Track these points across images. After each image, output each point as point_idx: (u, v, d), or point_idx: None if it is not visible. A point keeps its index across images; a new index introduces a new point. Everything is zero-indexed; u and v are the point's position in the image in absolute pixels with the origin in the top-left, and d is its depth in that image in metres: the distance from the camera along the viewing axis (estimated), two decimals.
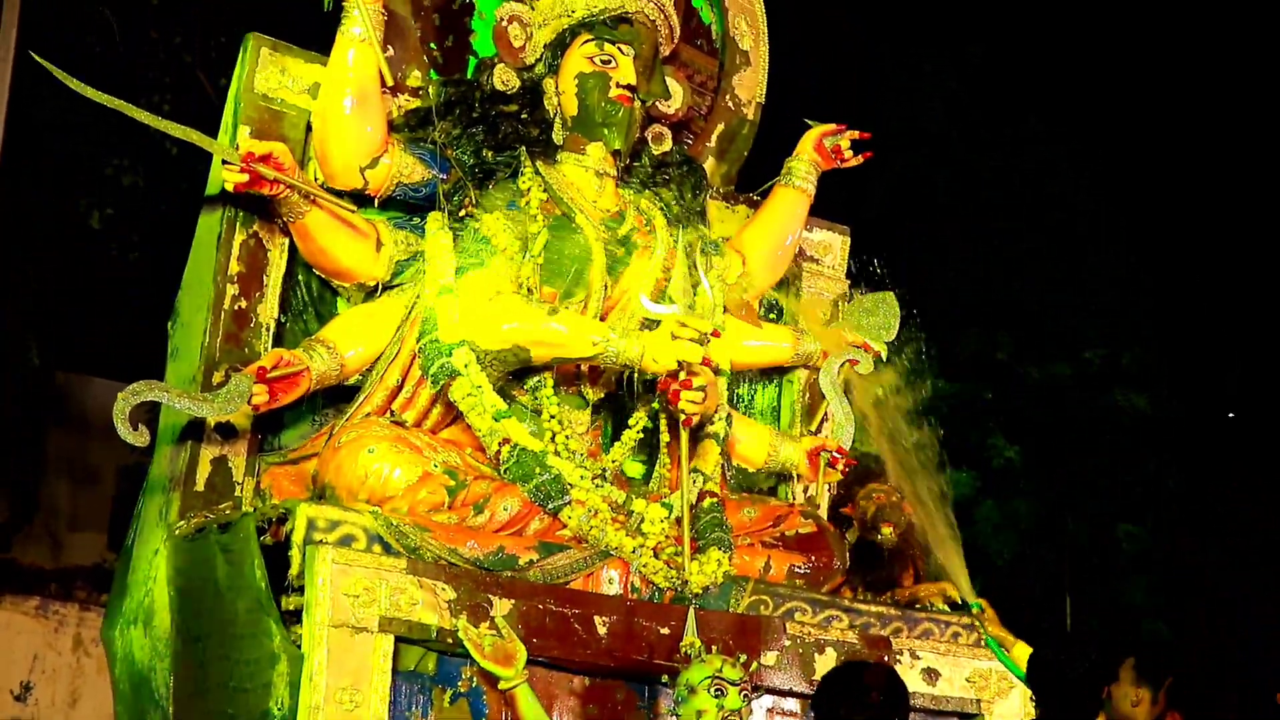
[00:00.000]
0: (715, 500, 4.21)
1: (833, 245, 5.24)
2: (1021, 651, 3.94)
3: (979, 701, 4.32)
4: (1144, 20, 13.64)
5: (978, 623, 4.10)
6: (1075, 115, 13.58)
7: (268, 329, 4.14)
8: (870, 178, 5.12)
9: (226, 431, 4.02)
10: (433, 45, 4.60)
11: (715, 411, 4.34)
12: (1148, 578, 12.84)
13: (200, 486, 3.98)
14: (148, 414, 3.84)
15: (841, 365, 4.88)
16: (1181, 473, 13.20)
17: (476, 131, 4.34)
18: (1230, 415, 14.31)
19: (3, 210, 10.07)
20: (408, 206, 4.30)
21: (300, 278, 4.26)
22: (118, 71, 9.51)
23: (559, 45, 4.47)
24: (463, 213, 4.25)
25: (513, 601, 3.68)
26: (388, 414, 4.13)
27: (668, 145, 4.78)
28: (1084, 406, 12.88)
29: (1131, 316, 13.16)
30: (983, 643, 4.22)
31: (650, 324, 4.15)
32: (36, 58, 3.97)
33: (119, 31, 9.99)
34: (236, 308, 4.09)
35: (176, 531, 3.92)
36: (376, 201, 4.24)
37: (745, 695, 3.60)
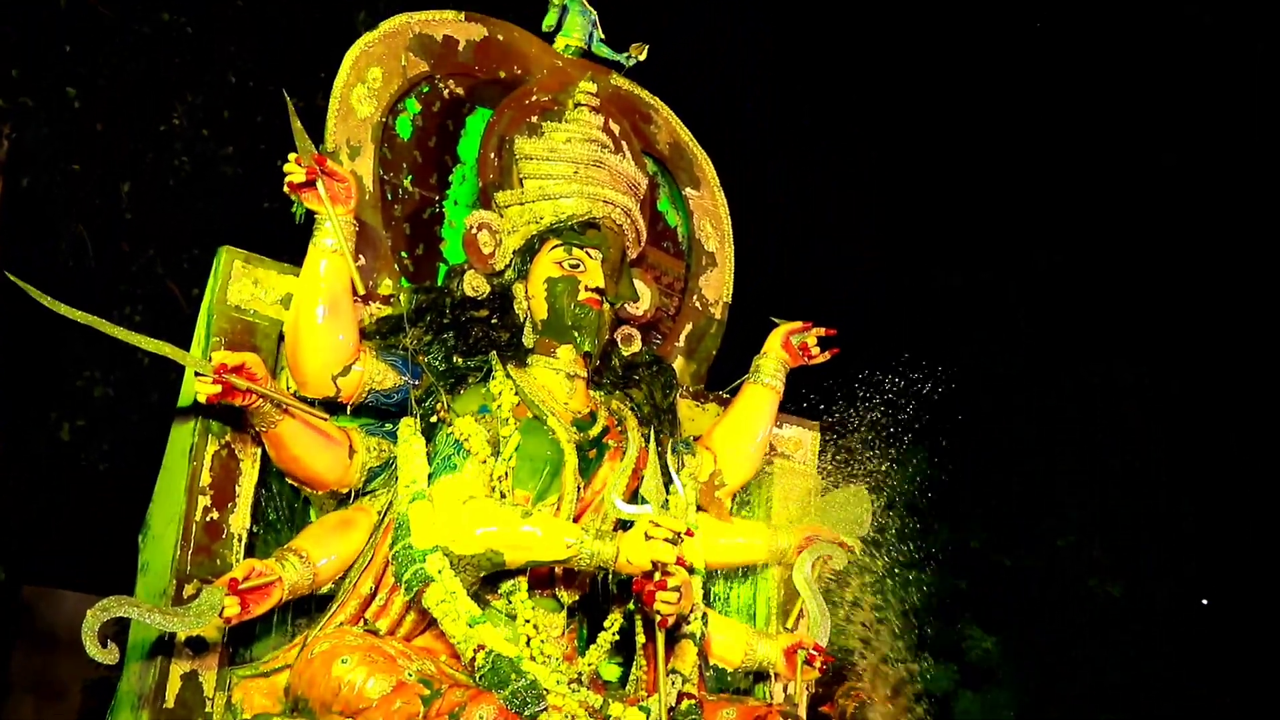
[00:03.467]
0: (693, 702, 4.15)
1: (804, 441, 5.25)
2: None
3: None
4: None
5: None
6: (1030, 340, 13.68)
7: (240, 540, 4.09)
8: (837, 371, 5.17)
9: (197, 645, 3.95)
10: (403, 254, 4.65)
11: (691, 611, 4.30)
12: None
13: (170, 703, 3.89)
14: (116, 628, 3.78)
15: (816, 561, 4.86)
16: (1160, 659, 13.14)
17: (448, 337, 4.37)
18: (1205, 601, 14.28)
19: None
20: (380, 413, 4.30)
21: (273, 487, 4.24)
22: (91, 285, 9.60)
23: (528, 251, 4.52)
24: (435, 418, 4.26)
25: None
26: (361, 623, 4.07)
27: (637, 346, 4.82)
28: (1059, 594, 12.86)
29: (1103, 506, 13.20)
30: None
31: (624, 525, 4.13)
32: (10, 276, 3.99)
33: (91, 246, 10.08)
34: (208, 519, 4.05)
35: None
36: (349, 409, 4.24)
37: None
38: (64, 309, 3.89)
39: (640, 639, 4.33)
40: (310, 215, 4.11)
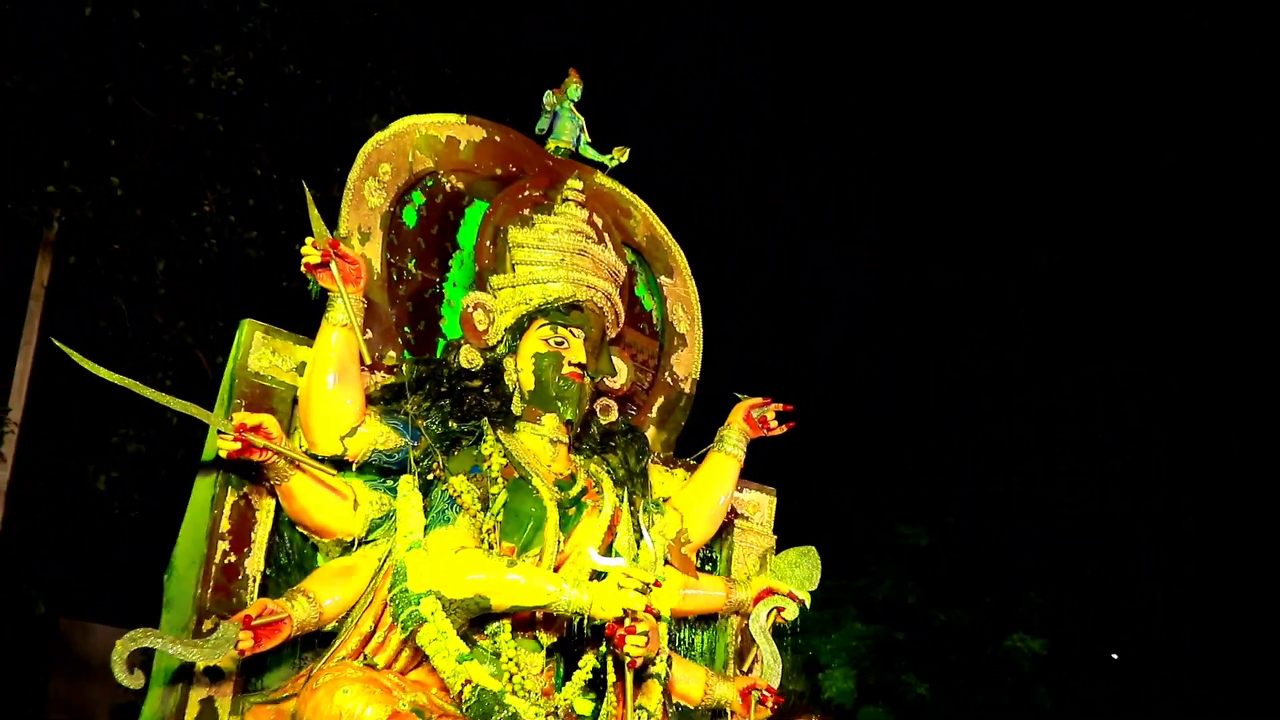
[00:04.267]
0: None
1: (761, 504, 5.25)
2: None
3: None
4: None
5: None
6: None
7: (254, 581, 4.08)
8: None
9: (214, 674, 3.93)
10: (406, 329, 4.65)
11: (657, 654, 4.28)
12: None
13: None
14: (142, 657, 3.76)
15: (770, 612, 4.87)
16: (1075, 707, 13.09)
17: (444, 404, 4.37)
18: (1114, 655, 14.24)
19: (21, 475, 10.02)
20: (382, 470, 4.29)
21: (284, 534, 4.22)
22: (126, 352, 9.60)
23: (518, 329, 4.53)
24: (431, 476, 4.24)
25: None
26: (361, 657, 4.04)
27: (614, 416, 4.83)
28: (986, 648, 12.82)
29: (1028, 568, 13.16)
30: None
31: (598, 575, 4.12)
32: (56, 342, 3.99)
33: (128, 317, 10.09)
34: (226, 562, 4.04)
35: None
36: (354, 466, 4.22)
37: None
38: (104, 372, 3.90)
39: (611, 678, 4.30)
40: (324, 293, 4.12)
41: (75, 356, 3.91)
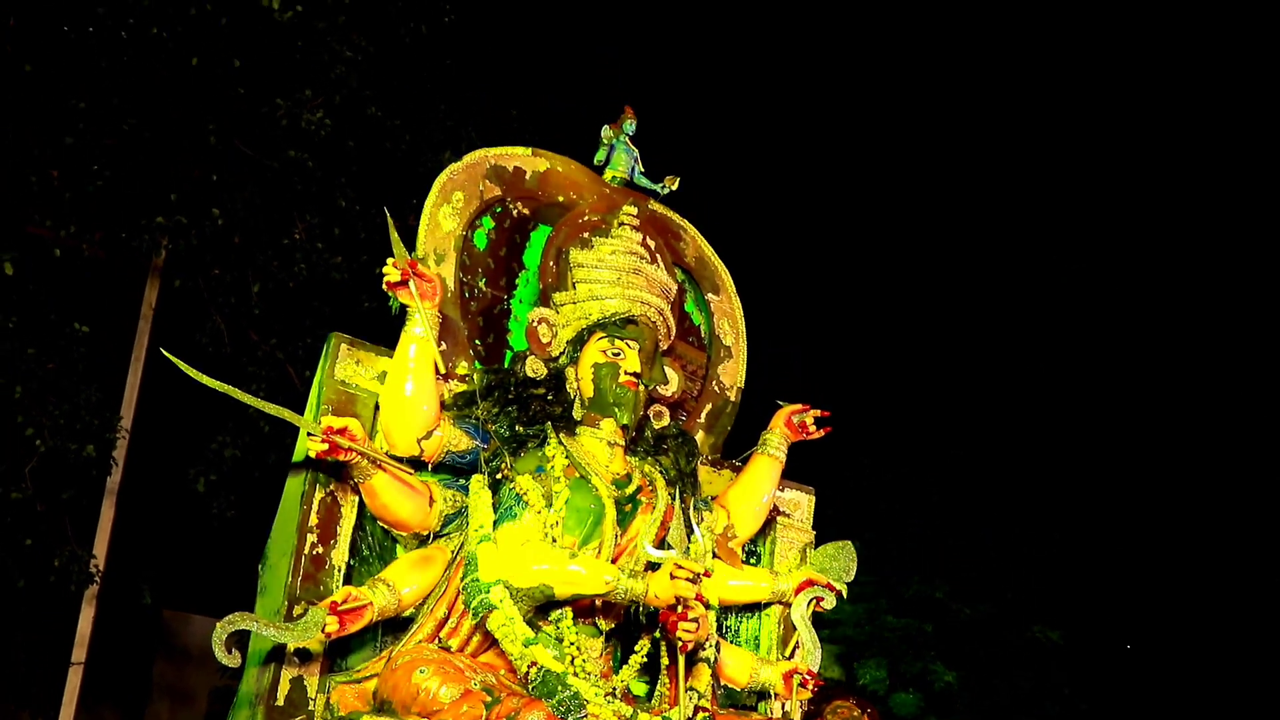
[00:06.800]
0: (707, 715, 4.10)
1: (801, 502, 5.21)
2: None
3: None
4: None
5: None
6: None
7: (339, 570, 4.10)
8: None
9: (303, 655, 3.95)
10: (477, 341, 4.65)
11: (707, 640, 4.25)
12: None
13: (280, 702, 3.90)
14: (238, 640, 3.79)
15: (810, 602, 4.84)
16: (1089, 695, 12.97)
17: (511, 410, 4.37)
18: (1128, 646, 14.08)
19: (130, 479, 10.13)
20: (455, 470, 4.30)
21: (367, 528, 4.23)
22: (224, 365, 9.69)
23: (578, 341, 4.52)
24: (500, 475, 4.25)
25: None
26: (436, 641, 4.05)
27: (666, 421, 4.80)
28: (1009, 639, 12.73)
29: (1046, 565, 13.06)
30: None
31: (653, 566, 4.11)
32: (165, 353, 4.03)
33: (227, 334, 10.18)
34: (314, 553, 4.06)
35: None
36: (430, 466, 4.24)
37: None
38: (209, 380, 3.95)
39: (664, 661, 4.28)
40: (403, 309, 4.14)
41: (183, 366, 3.95)
